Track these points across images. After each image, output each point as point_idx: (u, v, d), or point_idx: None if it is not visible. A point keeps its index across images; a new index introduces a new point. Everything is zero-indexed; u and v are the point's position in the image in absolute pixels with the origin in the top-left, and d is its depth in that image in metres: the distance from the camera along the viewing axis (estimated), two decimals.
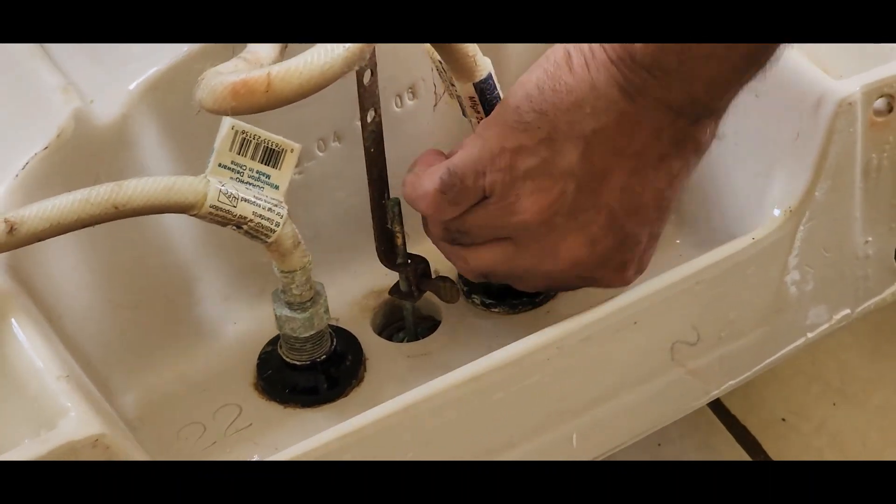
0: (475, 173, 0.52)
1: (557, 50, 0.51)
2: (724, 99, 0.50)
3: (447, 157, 0.54)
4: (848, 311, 0.62)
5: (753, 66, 0.48)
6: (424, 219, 0.56)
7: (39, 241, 0.48)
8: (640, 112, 0.49)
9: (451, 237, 0.55)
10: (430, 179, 0.52)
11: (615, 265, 0.53)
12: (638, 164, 0.50)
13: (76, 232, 0.49)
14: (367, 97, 0.56)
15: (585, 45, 0.49)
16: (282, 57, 0.49)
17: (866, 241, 0.60)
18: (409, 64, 0.62)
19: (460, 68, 0.54)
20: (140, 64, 0.56)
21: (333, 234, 0.64)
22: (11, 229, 0.47)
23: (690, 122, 0.50)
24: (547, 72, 0.50)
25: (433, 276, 0.61)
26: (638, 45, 0.47)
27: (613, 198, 0.51)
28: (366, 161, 0.58)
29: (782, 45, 0.48)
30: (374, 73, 0.55)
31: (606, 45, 0.48)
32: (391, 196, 0.58)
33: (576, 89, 0.49)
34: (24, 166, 0.52)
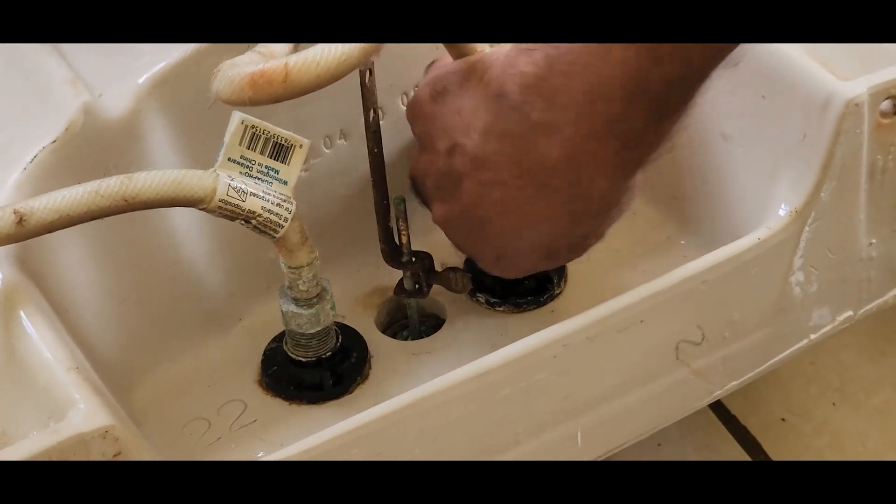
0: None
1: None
2: (580, 174, 0.48)
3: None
4: (850, 312, 0.62)
5: (615, 140, 0.47)
6: None
7: (48, 232, 0.48)
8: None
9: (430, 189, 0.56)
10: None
11: (469, 249, 0.56)
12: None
13: (83, 226, 0.49)
14: (369, 97, 0.56)
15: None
16: (295, 52, 0.49)
17: (870, 243, 0.61)
18: (414, 62, 0.62)
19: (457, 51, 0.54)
20: (149, 58, 0.56)
21: (338, 231, 0.64)
22: (21, 220, 0.47)
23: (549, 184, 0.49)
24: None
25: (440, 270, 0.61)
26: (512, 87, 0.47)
27: (468, 197, 0.52)
28: (370, 162, 0.58)
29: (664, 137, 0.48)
30: (372, 74, 0.55)
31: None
32: (396, 195, 0.58)
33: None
34: (33, 159, 0.52)
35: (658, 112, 0.46)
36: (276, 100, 0.46)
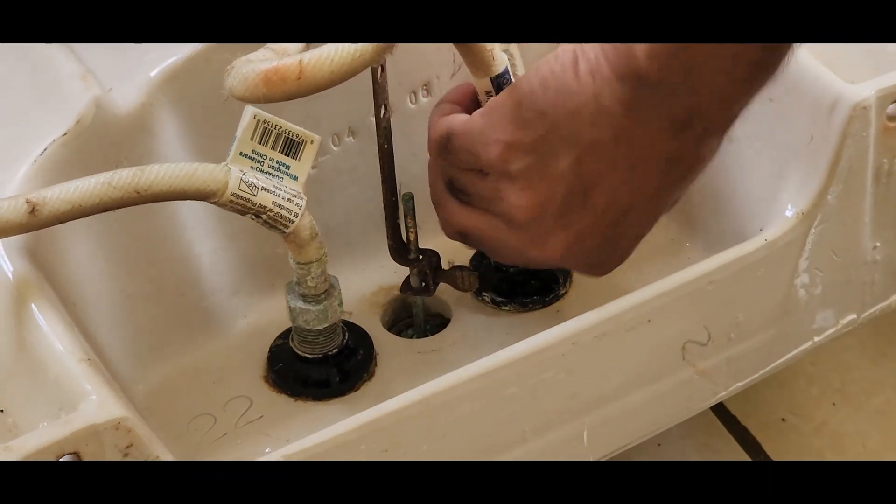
0: (469, 149, 0.52)
1: (567, 51, 0.51)
2: (729, 114, 0.49)
3: (465, 107, 0.54)
4: (854, 315, 0.63)
5: (759, 78, 0.47)
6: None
7: (60, 223, 0.48)
8: (640, 128, 0.48)
9: (450, 186, 0.54)
10: (437, 128, 0.53)
11: (596, 262, 0.54)
12: (632, 175, 0.50)
13: (92, 220, 0.49)
14: (380, 94, 0.56)
15: (592, 54, 0.49)
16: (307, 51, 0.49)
17: (874, 247, 0.61)
18: (423, 61, 0.62)
19: (478, 63, 0.54)
20: (159, 53, 0.57)
21: (344, 229, 0.64)
22: (33, 209, 0.47)
23: (694, 138, 0.49)
24: (554, 72, 0.50)
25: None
26: (642, 61, 0.46)
27: (602, 202, 0.51)
28: (379, 157, 0.58)
29: (788, 56, 0.48)
30: (384, 70, 0.56)
31: (612, 58, 0.48)
32: (405, 192, 0.59)
33: (578, 96, 0.49)
34: (43, 152, 0.52)
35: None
36: (290, 97, 0.46)
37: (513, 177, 0.50)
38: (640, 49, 0.46)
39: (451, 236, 0.56)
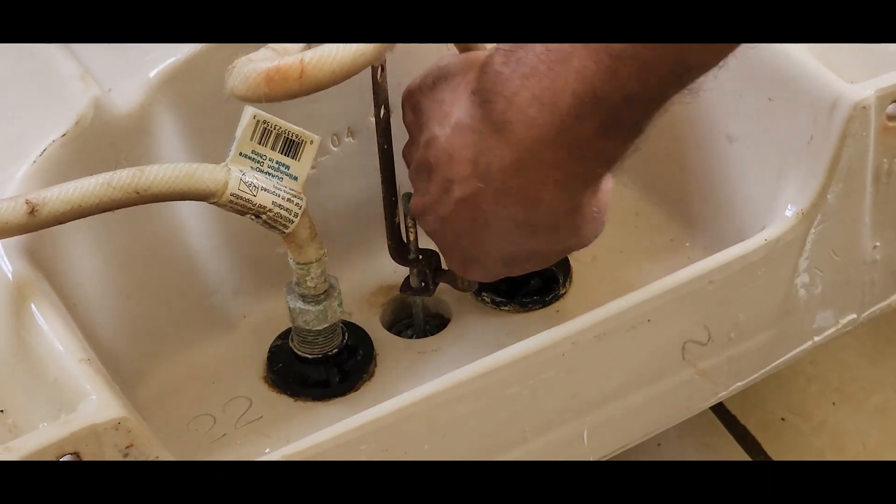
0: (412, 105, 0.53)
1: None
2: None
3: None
4: (854, 315, 0.63)
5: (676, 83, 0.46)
6: None
7: (60, 223, 0.47)
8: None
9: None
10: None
11: (463, 270, 0.56)
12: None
13: (92, 221, 0.49)
14: (380, 94, 0.56)
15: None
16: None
17: (874, 246, 0.61)
18: (423, 61, 0.62)
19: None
20: (158, 53, 0.57)
21: (343, 229, 0.64)
22: (33, 210, 0.46)
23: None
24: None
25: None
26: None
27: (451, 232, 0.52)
28: (379, 157, 0.58)
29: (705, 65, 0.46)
30: (384, 70, 0.56)
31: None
32: (404, 192, 0.59)
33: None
34: (42, 152, 0.52)
35: (609, 127, 0.46)
36: (292, 96, 0.46)
37: (416, 167, 0.53)
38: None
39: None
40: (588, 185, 0.49)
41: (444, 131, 0.49)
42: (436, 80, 0.52)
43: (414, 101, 0.53)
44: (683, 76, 0.45)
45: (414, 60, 0.61)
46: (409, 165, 0.55)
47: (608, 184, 0.51)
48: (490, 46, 0.54)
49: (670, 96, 0.45)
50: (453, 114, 0.49)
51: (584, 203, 0.50)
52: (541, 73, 0.45)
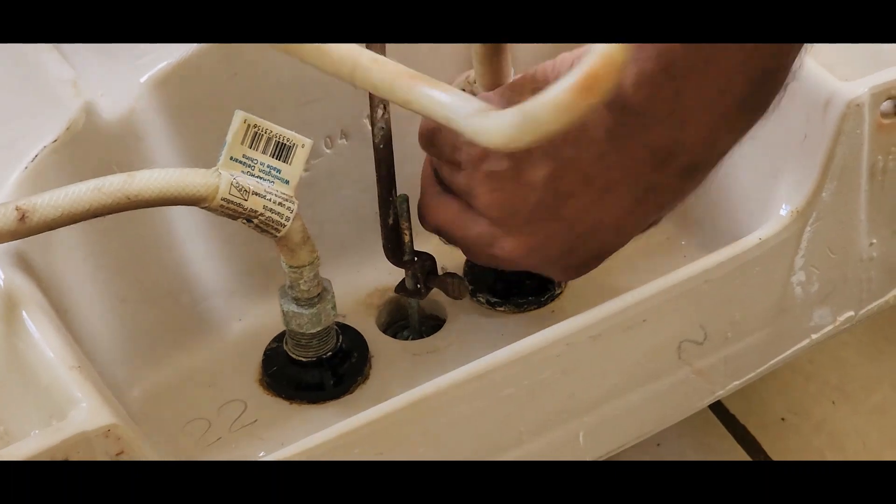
0: (452, 143, 0.52)
1: (565, 63, 0.50)
2: (714, 151, 0.48)
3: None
4: (851, 313, 0.62)
5: (745, 116, 0.47)
6: None
7: (50, 229, 0.47)
8: (620, 154, 0.48)
9: (436, 174, 0.55)
10: (426, 119, 0.52)
11: (557, 268, 0.54)
12: (606, 196, 0.49)
13: (84, 225, 0.49)
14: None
15: None
16: None
17: (871, 244, 0.61)
18: (420, 62, 0.62)
19: (492, 72, 0.54)
20: (149, 58, 0.56)
21: (338, 231, 0.64)
22: (23, 217, 0.46)
23: (676, 170, 0.48)
24: (547, 82, 0.49)
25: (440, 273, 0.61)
26: (629, 89, 0.45)
27: (571, 215, 0.50)
28: (374, 157, 0.58)
29: (779, 95, 0.47)
30: None
31: None
32: (399, 193, 0.58)
33: None
34: (34, 158, 0.52)
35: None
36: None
37: (487, 176, 0.51)
38: (627, 77, 0.45)
39: (427, 227, 0.56)
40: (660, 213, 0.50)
41: (586, 154, 0.48)
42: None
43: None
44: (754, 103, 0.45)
45: (411, 62, 0.61)
46: (498, 215, 0.52)
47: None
48: (509, 60, 0.53)
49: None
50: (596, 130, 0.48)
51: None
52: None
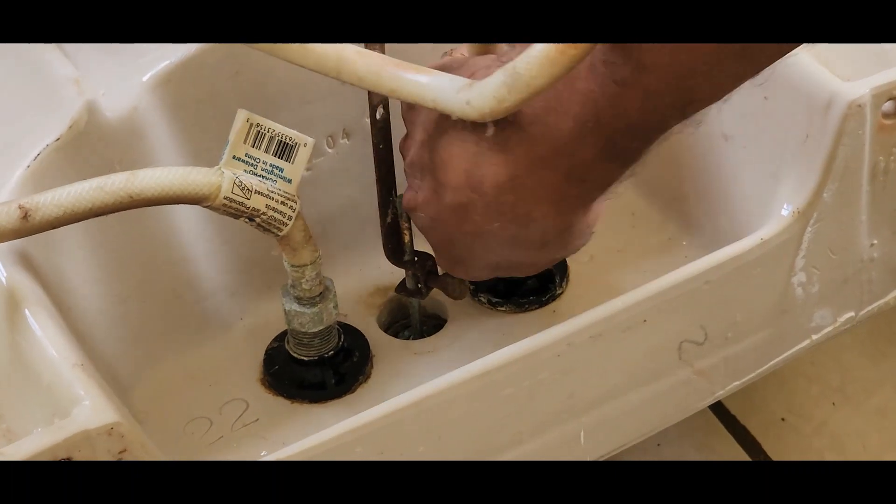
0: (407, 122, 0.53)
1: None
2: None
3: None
4: (852, 313, 0.62)
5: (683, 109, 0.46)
6: None
7: (53, 228, 0.48)
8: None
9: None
10: None
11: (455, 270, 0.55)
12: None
13: (86, 224, 0.49)
14: (376, 94, 0.56)
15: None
16: None
17: (871, 244, 0.61)
18: (419, 61, 0.62)
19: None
20: (152, 57, 0.57)
21: (340, 230, 0.64)
22: (26, 215, 0.47)
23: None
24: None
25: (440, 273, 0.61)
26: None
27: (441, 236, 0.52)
28: (374, 158, 0.58)
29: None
30: None
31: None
32: (399, 193, 0.59)
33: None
34: (36, 157, 0.52)
35: (608, 153, 0.45)
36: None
37: (411, 164, 0.52)
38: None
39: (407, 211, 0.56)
40: (582, 206, 0.49)
41: (440, 139, 0.49)
42: None
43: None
44: (687, 107, 0.44)
45: (410, 61, 0.61)
46: (404, 158, 0.55)
47: (601, 204, 0.51)
48: (503, 46, 0.54)
49: (671, 126, 0.45)
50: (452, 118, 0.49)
51: (575, 222, 0.50)
52: (544, 94, 0.44)
